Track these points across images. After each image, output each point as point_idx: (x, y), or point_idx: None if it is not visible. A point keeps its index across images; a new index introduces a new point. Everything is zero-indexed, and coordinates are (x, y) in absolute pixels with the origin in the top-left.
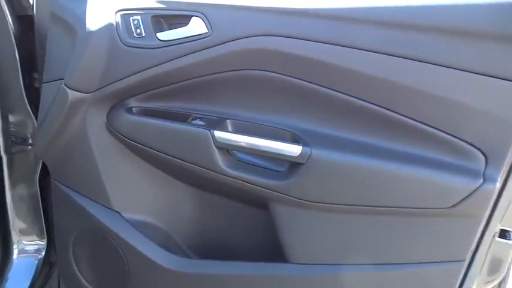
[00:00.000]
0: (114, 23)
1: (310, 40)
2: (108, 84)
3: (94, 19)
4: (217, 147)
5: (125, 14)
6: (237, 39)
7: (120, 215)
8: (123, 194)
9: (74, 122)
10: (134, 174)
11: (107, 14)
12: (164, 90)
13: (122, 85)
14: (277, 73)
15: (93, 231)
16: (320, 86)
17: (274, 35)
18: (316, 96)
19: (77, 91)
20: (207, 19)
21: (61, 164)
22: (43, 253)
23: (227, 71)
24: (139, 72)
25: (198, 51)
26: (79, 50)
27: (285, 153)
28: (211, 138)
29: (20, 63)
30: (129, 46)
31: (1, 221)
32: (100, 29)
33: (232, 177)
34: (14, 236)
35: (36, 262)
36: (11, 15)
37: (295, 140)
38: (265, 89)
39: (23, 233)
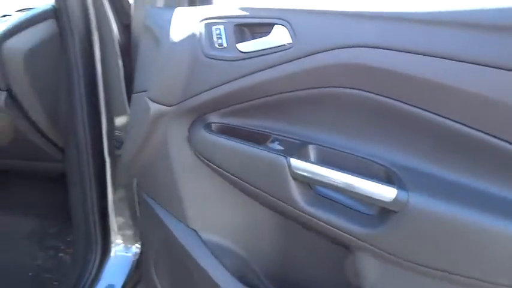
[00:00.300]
0: (198, 33)
1: (415, 53)
2: (189, 98)
3: (178, 29)
4: (294, 178)
5: (208, 23)
6: (324, 51)
7: (196, 233)
8: (201, 211)
9: (156, 135)
10: (214, 192)
11: (191, 23)
12: (244, 106)
13: (201, 99)
14: (372, 93)
15: (170, 245)
16: (426, 111)
17: (369, 47)
18: (421, 124)
19: (159, 104)
20: (291, 27)
21: (145, 175)
22: (138, 255)
23: (312, 88)
24: (218, 86)
25: (279, 64)
26: (162, 61)
27: (375, 197)
28: (287, 167)
29: (123, 71)
30: (210, 58)
31: (103, 219)
32: (183, 40)
33: (310, 215)
34: (113, 236)
35: (131, 263)
36: (116, 24)
37: (389, 179)
38: (357, 111)
39: (121, 233)
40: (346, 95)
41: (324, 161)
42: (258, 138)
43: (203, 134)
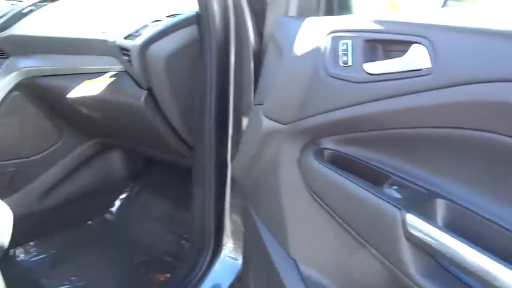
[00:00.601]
0: (323, 48)
1: None
2: (304, 118)
3: (303, 42)
4: (408, 239)
5: (335, 36)
6: (470, 84)
7: (296, 265)
8: (305, 243)
9: (268, 152)
10: (321, 225)
11: (318, 36)
12: (363, 136)
13: (317, 122)
14: None
15: (267, 267)
16: None
17: None
18: None
19: (272, 120)
20: (433, 48)
21: (252, 189)
22: None
23: (451, 127)
24: (337, 109)
25: (411, 93)
26: (281, 76)
27: None
28: (400, 224)
29: (254, 79)
30: (332, 77)
31: (218, 221)
32: (306, 54)
33: None
34: (225, 239)
35: (238, 270)
36: (253, 31)
37: None
38: (508, 166)
39: (233, 238)
40: (496, 142)
41: (453, 225)
42: (374, 177)
43: (314, 163)
